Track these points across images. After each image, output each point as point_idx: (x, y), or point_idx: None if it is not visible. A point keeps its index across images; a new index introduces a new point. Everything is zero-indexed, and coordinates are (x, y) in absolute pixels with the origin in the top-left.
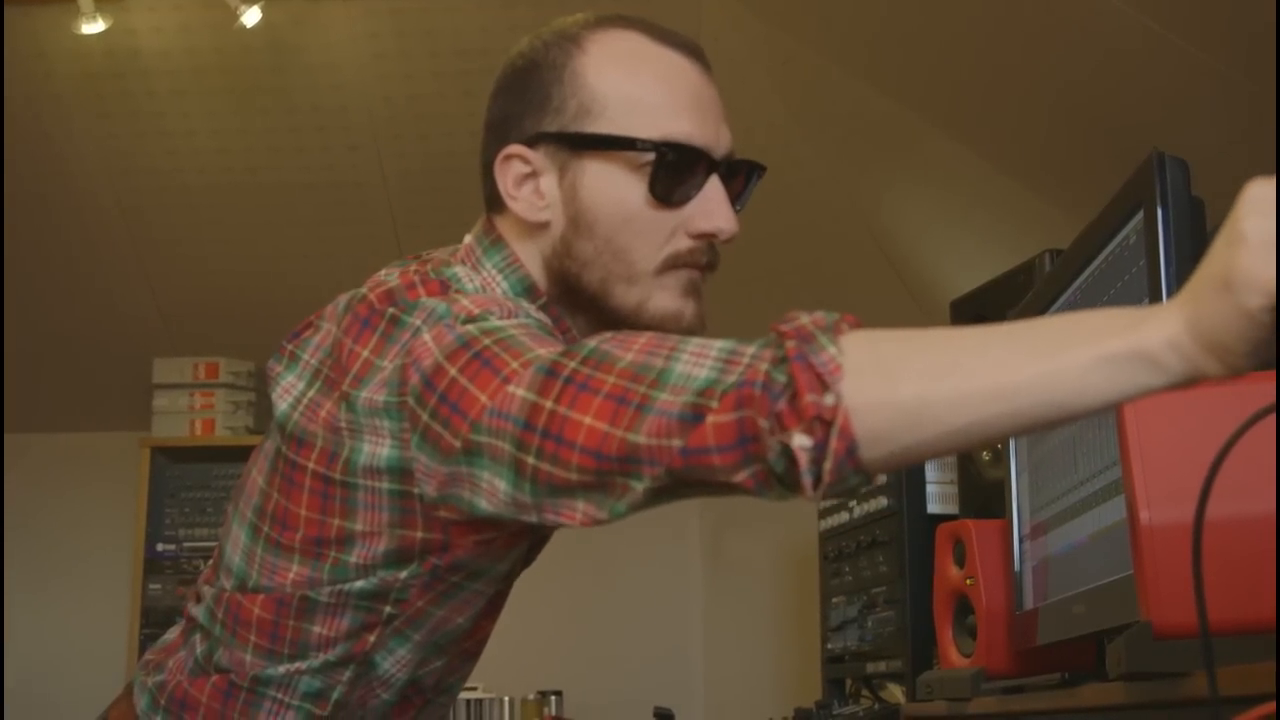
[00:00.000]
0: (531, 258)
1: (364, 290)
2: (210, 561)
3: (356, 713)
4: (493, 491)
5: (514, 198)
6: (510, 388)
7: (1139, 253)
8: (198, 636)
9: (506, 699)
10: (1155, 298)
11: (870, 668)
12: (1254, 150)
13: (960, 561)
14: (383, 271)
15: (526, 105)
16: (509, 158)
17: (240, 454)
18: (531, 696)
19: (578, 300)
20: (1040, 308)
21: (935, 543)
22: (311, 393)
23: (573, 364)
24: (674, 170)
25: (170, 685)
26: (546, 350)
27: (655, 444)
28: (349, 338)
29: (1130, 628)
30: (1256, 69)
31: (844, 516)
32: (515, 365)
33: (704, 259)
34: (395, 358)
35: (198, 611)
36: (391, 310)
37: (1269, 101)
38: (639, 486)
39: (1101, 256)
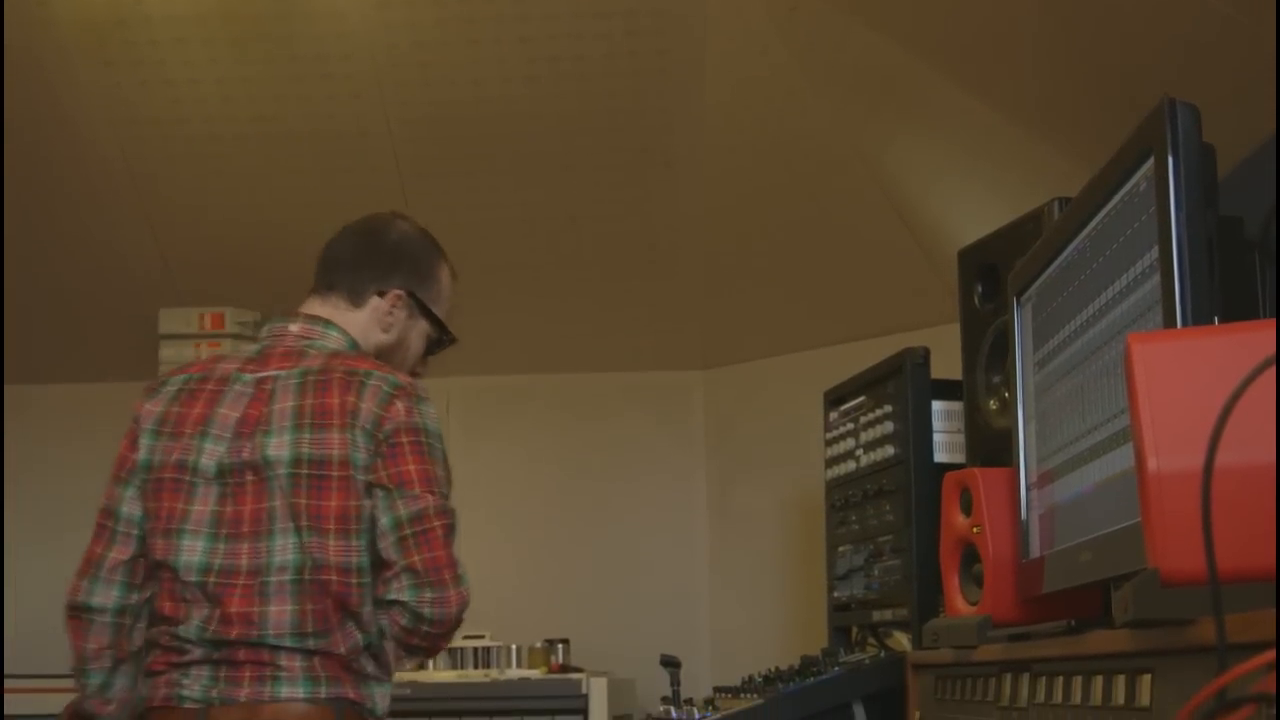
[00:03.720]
0: (363, 342)
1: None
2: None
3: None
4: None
5: (384, 317)
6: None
7: (1149, 200)
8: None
9: (514, 647)
10: (1165, 245)
11: (876, 616)
12: (1265, 96)
13: (967, 509)
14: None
15: (419, 275)
16: (398, 295)
17: None
18: (539, 644)
19: None
20: (1048, 256)
21: (942, 491)
22: None
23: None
24: (439, 343)
25: None
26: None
27: None
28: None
29: (1137, 575)
30: (1267, 14)
31: (850, 465)
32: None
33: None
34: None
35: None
36: None
37: None
38: None
39: (1111, 204)
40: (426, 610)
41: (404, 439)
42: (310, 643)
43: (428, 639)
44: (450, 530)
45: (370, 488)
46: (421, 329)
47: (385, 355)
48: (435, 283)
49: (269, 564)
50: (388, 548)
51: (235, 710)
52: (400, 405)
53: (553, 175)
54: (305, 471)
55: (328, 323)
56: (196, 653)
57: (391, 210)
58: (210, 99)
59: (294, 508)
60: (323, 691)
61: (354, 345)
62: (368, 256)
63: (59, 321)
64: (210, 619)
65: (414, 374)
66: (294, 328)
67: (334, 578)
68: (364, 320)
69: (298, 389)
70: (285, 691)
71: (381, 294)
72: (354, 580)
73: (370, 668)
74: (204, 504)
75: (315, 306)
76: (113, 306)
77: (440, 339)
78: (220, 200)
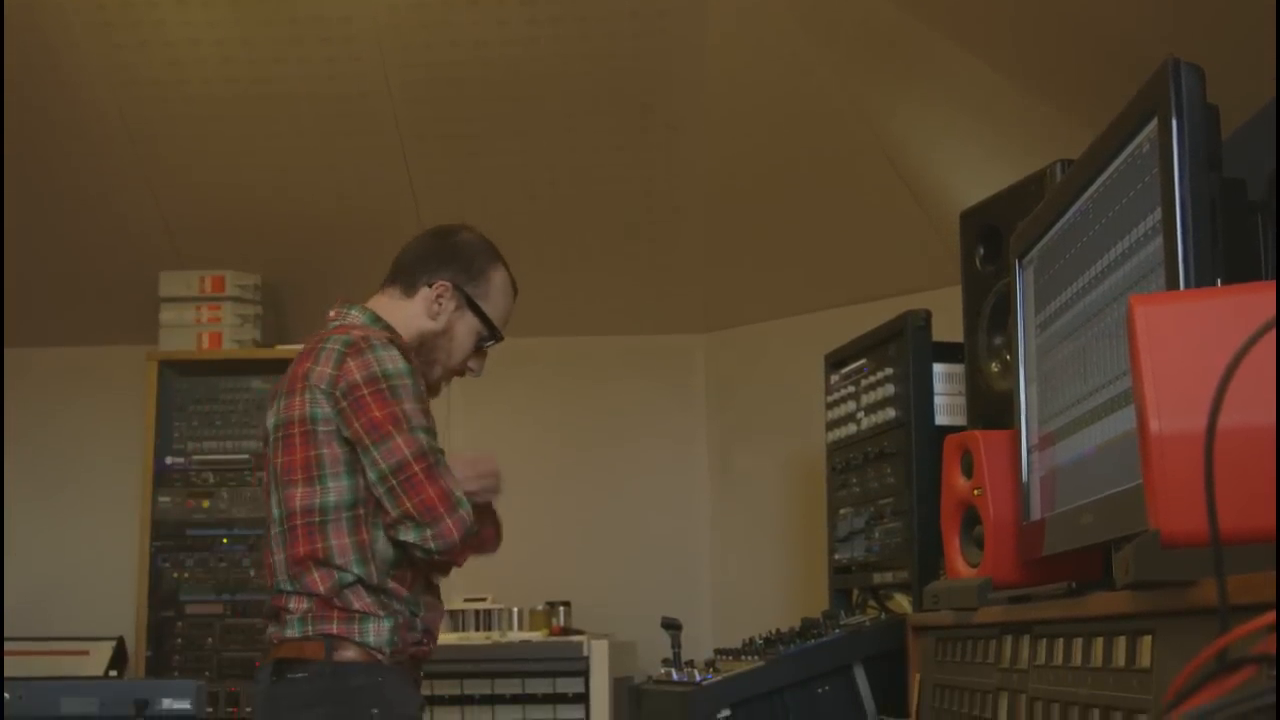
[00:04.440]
0: (407, 326)
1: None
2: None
3: None
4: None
5: (431, 305)
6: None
7: (1152, 161)
8: None
9: (515, 609)
10: (1168, 207)
11: (877, 578)
12: (1269, 58)
13: (968, 472)
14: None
15: (469, 272)
16: (444, 288)
17: (248, 367)
18: (540, 607)
19: (415, 353)
20: (1051, 219)
21: (943, 453)
22: None
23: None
24: (488, 342)
25: None
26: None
27: None
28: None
29: (1138, 536)
30: None
31: (851, 428)
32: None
33: (461, 375)
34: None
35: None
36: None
37: None
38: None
39: (1114, 166)
40: (431, 544)
41: (364, 391)
42: (296, 585)
43: (443, 563)
44: (432, 468)
45: (348, 444)
46: (469, 323)
47: (431, 343)
48: (485, 282)
49: (273, 517)
50: (381, 498)
51: (271, 650)
52: (352, 362)
53: (554, 137)
54: (279, 434)
55: (353, 305)
56: (267, 602)
57: (463, 223)
58: (210, 60)
59: (274, 467)
60: (310, 629)
61: (374, 321)
62: (426, 254)
63: (60, 285)
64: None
65: (465, 369)
66: (331, 313)
67: (299, 523)
68: (414, 309)
69: (292, 365)
70: (288, 631)
71: (430, 285)
72: (316, 519)
73: (359, 604)
74: (265, 473)
75: (373, 297)
76: (113, 270)
77: (488, 336)
78: (220, 162)
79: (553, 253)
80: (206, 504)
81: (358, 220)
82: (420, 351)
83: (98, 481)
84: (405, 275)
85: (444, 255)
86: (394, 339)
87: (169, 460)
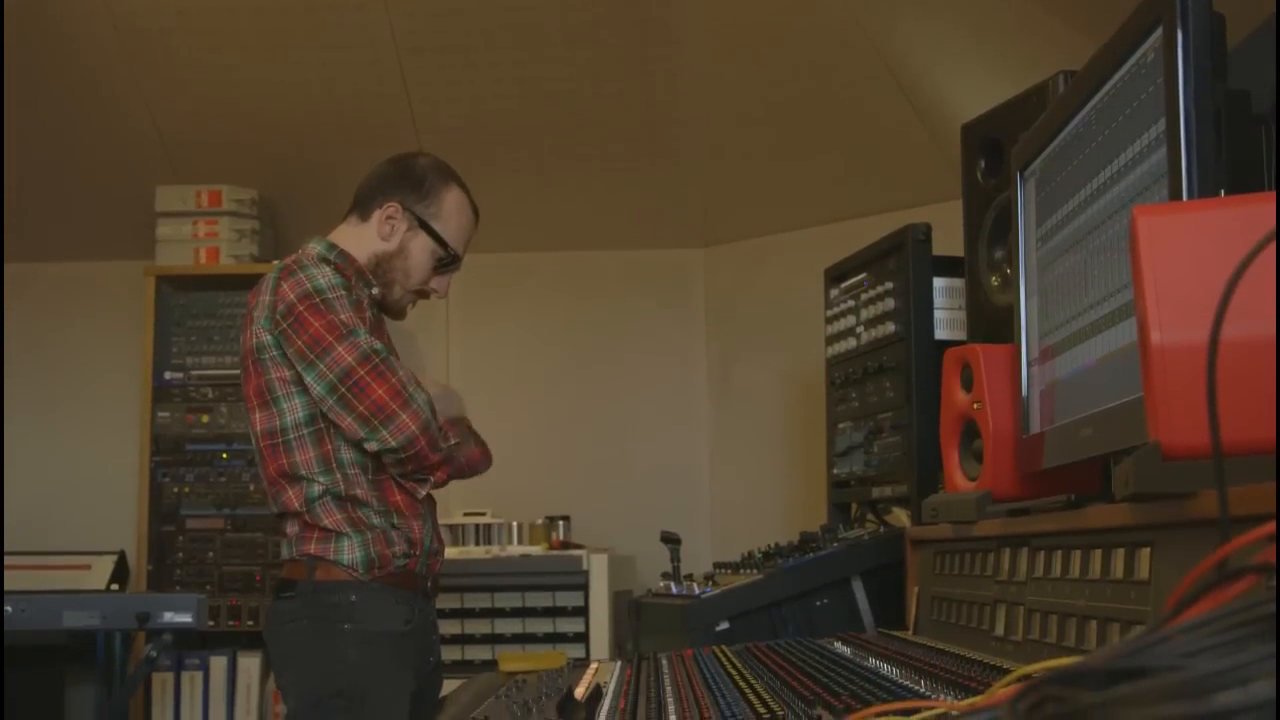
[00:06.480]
0: (361, 250)
1: None
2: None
3: None
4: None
5: (382, 225)
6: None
7: (1156, 71)
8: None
9: (515, 524)
10: (1172, 117)
11: (876, 492)
12: None
13: (967, 386)
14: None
15: (419, 193)
16: (394, 208)
17: (246, 282)
18: (540, 521)
19: (373, 275)
20: (1053, 130)
21: (942, 367)
22: None
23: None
24: (446, 263)
25: None
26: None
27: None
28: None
29: (1138, 449)
30: None
31: (851, 343)
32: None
33: (425, 297)
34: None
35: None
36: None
37: None
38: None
39: (1117, 76)
40: (391, 442)
41: (300, 308)
42: (277, 505)
43: (413, 461)
44: (377, 370)
45: (293, 366)
46: (423, 243)
47: (387, 264)
48: (437, 202)
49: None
50: (333, 409)
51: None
52: (285, 284)
53: (551, 51)
54: (241, 369)
55: (312, 238)
56: None
57: (420, 150)
58: None
59: (245, 399)
60: (294, 551)
61: (329, 249)
62: (380, 179)
63: (58, 200)
64: None
65: (428, 291)
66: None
67: (264, 445)
68: (369, 232)
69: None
70: (283, 554)
71: (381, 207)
72: (279, 440)
73: (328, 520)
74: None
75: (335, 228)
76: (110, 184)
77: (445, 257)
78: (215, 76)
79: (551, 167)
80: (206, 419)
81: (355, 134)
82: (377, 273)
83: (98, 397)
84: (361, 202)
85: (395, 178)
86: (327, 258)
87: (168, 375)
